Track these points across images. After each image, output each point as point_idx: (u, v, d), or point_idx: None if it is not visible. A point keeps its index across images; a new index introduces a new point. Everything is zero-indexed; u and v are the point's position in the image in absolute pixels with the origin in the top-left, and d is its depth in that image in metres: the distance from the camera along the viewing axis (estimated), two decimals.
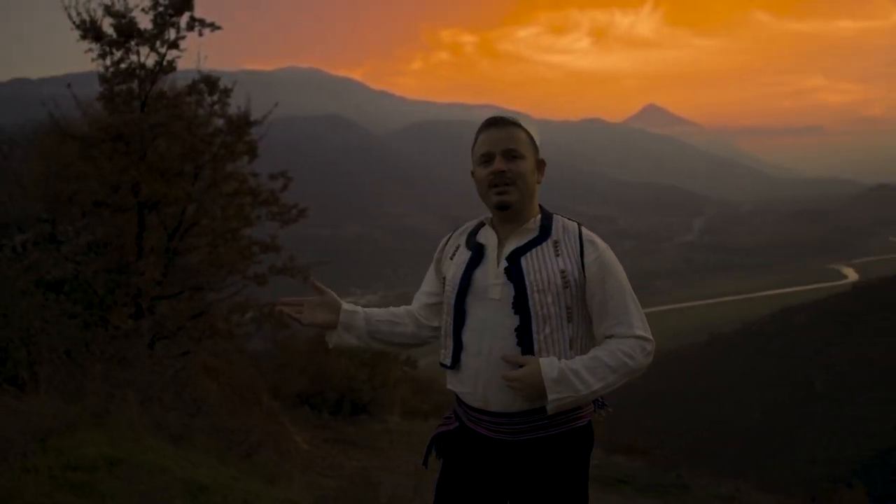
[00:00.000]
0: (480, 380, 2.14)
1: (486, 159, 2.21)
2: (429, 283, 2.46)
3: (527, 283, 2.12)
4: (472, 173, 2.31)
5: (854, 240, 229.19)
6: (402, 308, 2.47)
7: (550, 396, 2.04)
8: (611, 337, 2.15)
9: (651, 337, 2.18)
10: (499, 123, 2.24)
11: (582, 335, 2.20)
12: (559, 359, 2.10)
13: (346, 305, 2.38)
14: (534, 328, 2.11)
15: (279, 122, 10.09)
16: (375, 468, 10.03)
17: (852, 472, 36.80)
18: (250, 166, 10.13)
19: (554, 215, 2.29)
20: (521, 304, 2.11)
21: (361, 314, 2.39)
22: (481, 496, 2.22)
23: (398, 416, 19.57)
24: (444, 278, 2.32)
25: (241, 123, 9.40)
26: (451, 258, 2.33)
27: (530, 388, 2.05)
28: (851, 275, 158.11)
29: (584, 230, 2.24)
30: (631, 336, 2.14)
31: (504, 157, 2.18)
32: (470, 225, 2.40)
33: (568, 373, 2.05)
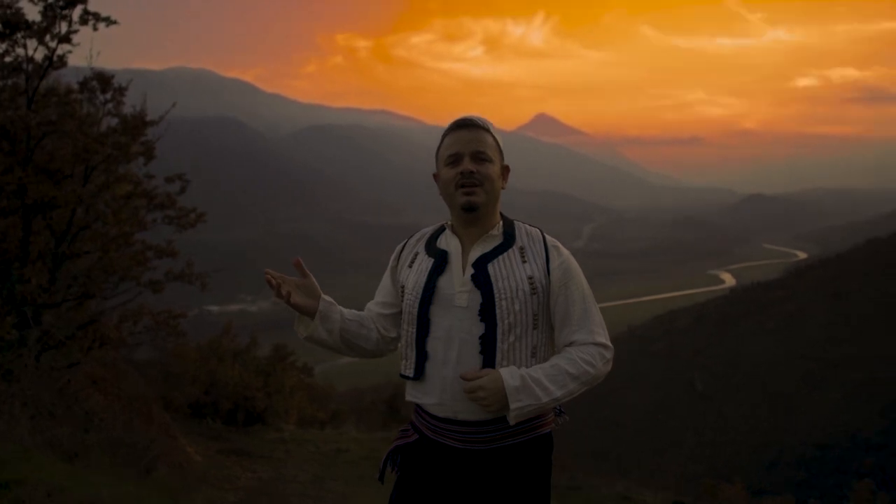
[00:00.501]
0: (448, 389, 2.10)
1: (454, 160, 2.18)
2: (384, 293, 2.38)
3: (495, 290, 2.09)
4: (436, 176, 2.28)
5: (731, 246, 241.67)
6: (366, 313, 2.38)
7: (513, 405, 2.01)
8: (571, 344, 2.14)
9: (611, 344, 2.18)
10: (468, 125, 2.21)
11: (544, 343, 2.19)
12: (519, 367, 2.08)
13: (324, 296, 2.29)
14: (498, 336, 2.08)
15: (166, 122, 9.73)
16: (273, 479, 9.79)
17: (731, 468, 38.58)
18: (144, 168, 9.71)
19: (515, 222, 2.28)
20: (487, 311, 2.08)
21: (338, 308, 2.30)
22: None
23: (294, 425, 19.20)
24: (402, 287, 2.26)
25: (137, 123, 8.99)
26: (410, 266, 2.27)
27: (492, 397, 2.01)
28: (729, 279, 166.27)
29: (546, 236, 2.23)
30: (591, 343, 2.14)
31: (472, 158, 2.16)
32: (427, 231, 2.35)
33: (529, 381, 2.03)
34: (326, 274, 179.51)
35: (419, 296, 2.16)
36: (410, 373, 2.20)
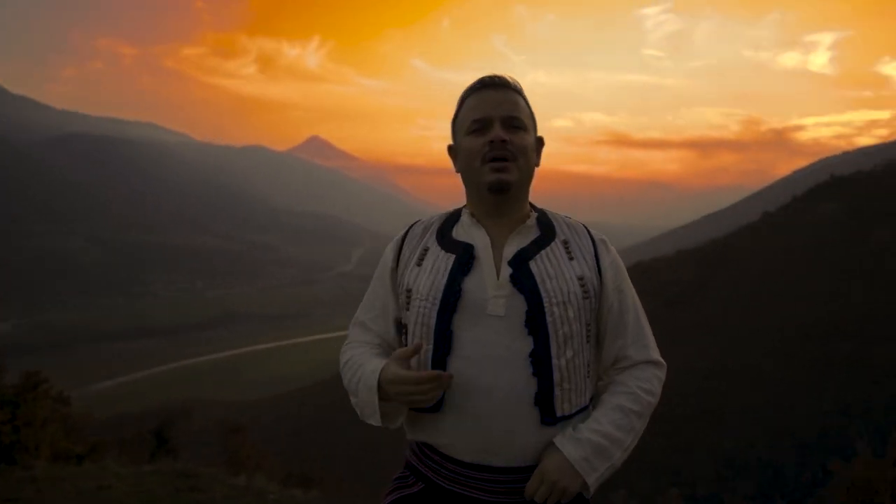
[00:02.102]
0: (482, 425, 1.62)
1: (481, 126, 1.71)
2: (380, 304, 1.87)
3: (543, 293, 1.64)
4: (451, 148, 1.83)
5: None
6: (372, 349, 1.87)
7: (590, 480, 1.62)
8: (625, 359, 1.77)
9: (664, 361, 1.83)
10: (496, 85, 1.76)
11: (595, 359, 1.78)
12: (576, 388, 1.68)
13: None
14: (553, 352, 1.63)
15: None
16: None
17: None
18: None
19: (547, 210, 1.85)
20: (536, 321, 1.63)
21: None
22: None
23: (46, 461, 17.92)
24: (407, 292, 1.75)
25: None
26: (419, 264, 1.76)
27: (566, 483, 1.60)
28: None
29: (590, 229, 1.83)
30: (647, 361, 1.77)
31: (504, 125, 1.71)
32: (434, 220, 1.87)
33: (597, 440, 1.63)
34: (79, 296, 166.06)
35: (437, 302, 1.67)
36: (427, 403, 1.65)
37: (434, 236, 1.80)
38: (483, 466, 1.64)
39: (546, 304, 1.63)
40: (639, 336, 1.78)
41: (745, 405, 53.37)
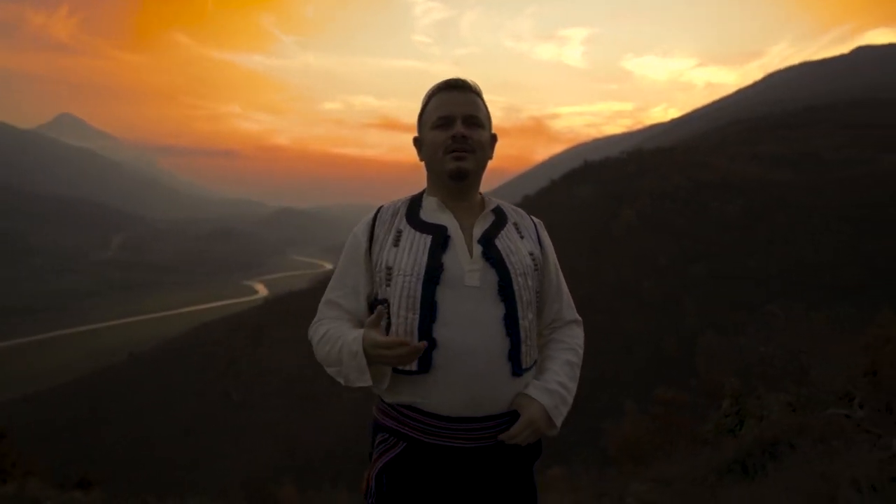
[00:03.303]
0: (467, 382, 1.86)
1: (444, 122, 1.99)
2: (351, 283, 2.05)
3: (509, 266, 1.94)
4: (417, 140, 2.09)
5: (264, 257, 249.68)
6: (348, 316, 2.05)
7: (558, 423, 1.94)
8: (558, 319, 2.12)
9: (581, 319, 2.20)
10: (460, 87, 2.03)
11: (537, 320, 2.08)
12: (530, 359, 1.97)
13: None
14: (519, 315, 1.92)
15: None
16: None
17: (276, 470, 39.86)
18: None
19: (492, 197, 2.14)
20: (506, 290, 1.92)
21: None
22: None
23: None
24: (387, 269, 1.96)
25: None
26: (396, 245, 1.98)
27: (544, 426, 1.92)
28: (262, 290, 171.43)
29: (526, 213, 2.17)
30: (574, 321, 2.16)
31: (465, 122, 1.99)
32: (398, 206, 2.10)
33: (561, 391, 1.97)
34: None
35: (421, 276, 1.90)
36: (415, 366, 1.87)
37: (404, 220, 2.03)
38: (466, 418, 1.87)
39: (513, 275, 1.93)
40: (568, 301, 2.16)
41: None
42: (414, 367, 1.86)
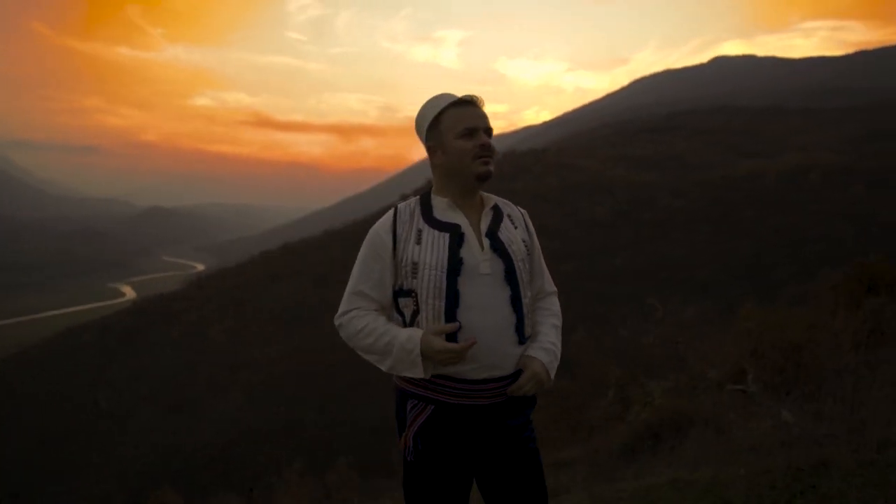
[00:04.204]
0: (486, 352, 2.24)
1: (470, 133, 2.34)
2: (377, 276, 2.37)
3: (511, 255, 2.33)
4: (431, 147, 2.42)
5: (131, 258, 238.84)
6: (379, 309, 2.40)
7: (553, 375, 2.36)
8: (541, 291, 2.53)
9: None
10: (476, 103, 2.41)
11: None
12: (530, 329, 2.39)
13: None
14: (522, 295, 2.32)
15: None
16: None
17: (151, 479, 38.44)
18: None
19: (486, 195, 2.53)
20: (512, 275, 2.31)
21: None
22: (457, 477, 2.33)
23: None
24: (413, 264, 2.29)
25: None
26: (418, 242, 2.32)
27: (545, 378, 2.32)
28: (130, 293, 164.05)
29: (512, 203, 2.57)
30: (553, 292, 2.58)
31: (486, 133, 2.38)
32: (412, 207, 2.44)
33: (553, 349, 2.39)
34: None
35: (445, 269, 2.25)
36: None
37: (422, 219, 2.37)
38: (487, 379, 2.27)
39: (515, 262, 2.33)
40: (548, 276, 2.59)
41: None
42: None
